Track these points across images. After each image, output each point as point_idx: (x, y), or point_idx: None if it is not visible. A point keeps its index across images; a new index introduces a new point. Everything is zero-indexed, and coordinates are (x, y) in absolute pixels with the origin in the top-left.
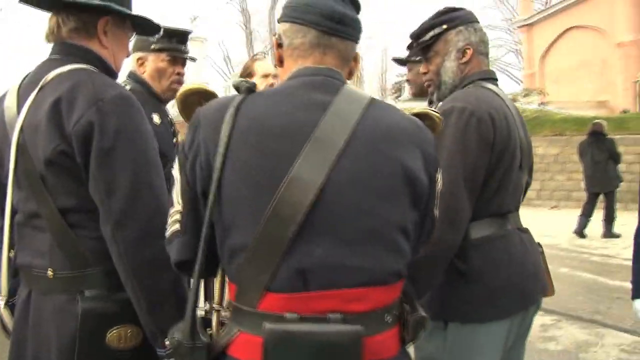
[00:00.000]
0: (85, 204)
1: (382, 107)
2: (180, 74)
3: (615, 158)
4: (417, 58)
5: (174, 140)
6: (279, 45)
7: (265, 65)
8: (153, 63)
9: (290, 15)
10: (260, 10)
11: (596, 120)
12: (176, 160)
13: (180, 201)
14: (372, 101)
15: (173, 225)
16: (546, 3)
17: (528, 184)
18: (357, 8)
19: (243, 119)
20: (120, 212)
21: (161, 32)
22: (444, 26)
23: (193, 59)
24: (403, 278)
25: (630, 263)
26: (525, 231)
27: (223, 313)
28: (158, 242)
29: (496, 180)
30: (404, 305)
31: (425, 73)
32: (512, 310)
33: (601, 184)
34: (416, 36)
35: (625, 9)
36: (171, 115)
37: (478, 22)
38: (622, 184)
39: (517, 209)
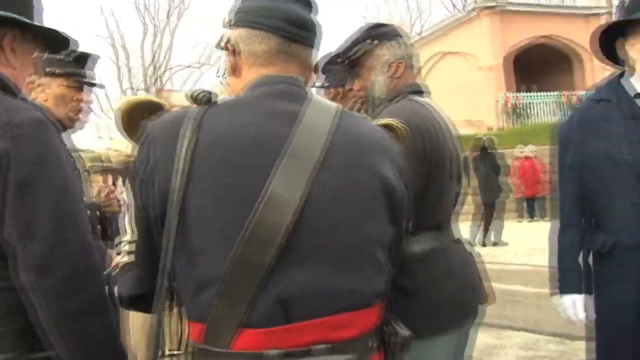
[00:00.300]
0: None
1: (351, 117)
2: (79, 101)
3: (497, 171)
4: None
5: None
6: (233, 53)
7: (180, 97)
8: (49, 89)
9: (247, 20)
10: (131, 43)
11: (479, 136)
12: (126, 184)
13: (135, 229)
14: (340, 111)
15: (124, 256)
16: (420, 32)
17: (458, 195)
18: (314, 11)
19: (206, 133)
20: (42, 256)
21: (69, 49)
22: (375, 41)
23: (101, 86)
24: (385, 299)
25: (520, 268)
26: (460, 242)
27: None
28: (87, 285)
29: (433, 192)
30: (384, 328)
31: (350, 90)
32: (454, 323)
33: (491, 195)
34: (344, 52)
35: (486, 37)
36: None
37: (406, 37)
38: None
39: (449, 221)
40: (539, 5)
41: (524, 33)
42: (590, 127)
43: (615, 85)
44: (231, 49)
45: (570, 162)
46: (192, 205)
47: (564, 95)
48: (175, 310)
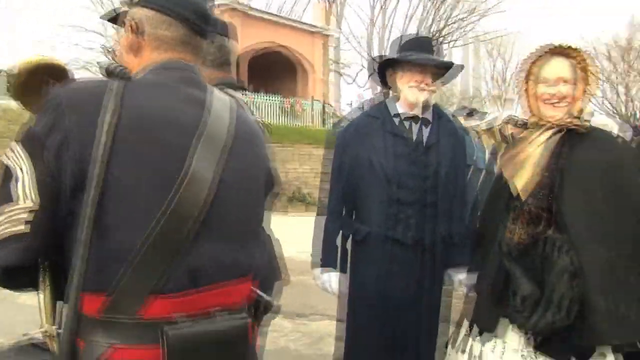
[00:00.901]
0: None
1: (241, 108)
2: None
3: None
4: None
5: None
6: (136, 32)
7: None
8: None
9: (157, 3)
10: None
11: None
12: (17, 150)
13: (33, 197)
14: (234, 101)
15: (13, 226)
16: None
17: None
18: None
19: (128, 108)
20: None
21: None
22: None
23: None
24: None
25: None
26: None
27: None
28: None
29: None
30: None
31: None
32: None
33: None
34: None
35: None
36: None
37: None
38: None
39: None
40: (275, 15)
41: (261, 38)
42: (361, 137)
43: (383, 106)
44: (134, 28)
45: (339, 164)
46: (114, 178)
47: (287, 100)
48: (48, 288)
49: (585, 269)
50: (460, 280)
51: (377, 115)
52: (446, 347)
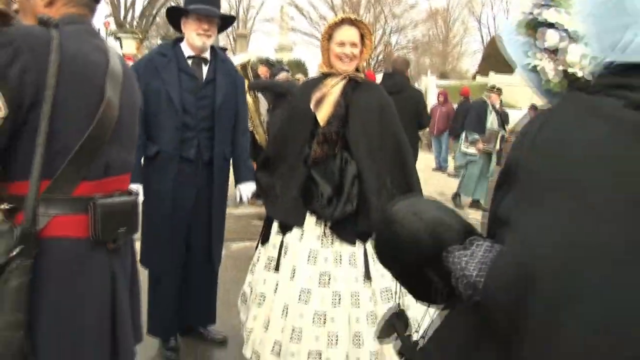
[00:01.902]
0: None
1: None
2: None
3: None
4: None
5: None
6: None
7: None
8: None
9: None
10: None
11: None
12: None
13: (3, 108)
14: (110, 46)
15: None
16: None
17: None
18: None
19: (65, 51)
20: None
21: None
22: None
23: None
24: None
25: None
26: None
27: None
28: None
29: None
30: None
31: None
32: None
33: None
34: None
35: None
36: None
37: None
38: None
39: None
40: None
41: None
42: (153, 71)
43: (172, 46)
44: None
45: None
46: (59, 99)
47: None
48: None
49: (363, 176)
50: (244, 192)
51: (166, 54)
52: (257, 246)
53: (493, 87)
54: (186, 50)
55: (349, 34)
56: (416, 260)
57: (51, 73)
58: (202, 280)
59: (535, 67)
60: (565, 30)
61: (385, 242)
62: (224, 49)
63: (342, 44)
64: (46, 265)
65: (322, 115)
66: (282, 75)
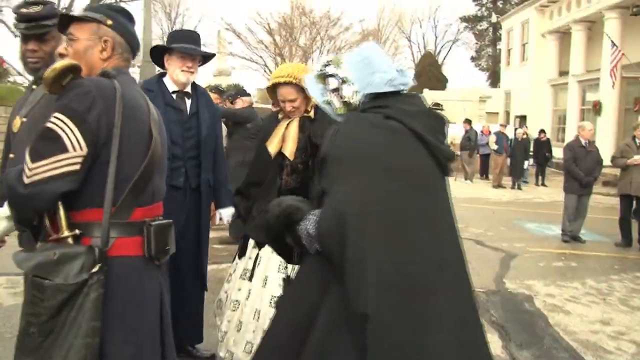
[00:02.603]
0: None
1: None
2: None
3: None
4: None
5: None
6: (112, 47)
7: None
8: None
9: (125, 35)
10: None
11: None
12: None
13: (83, 148)
14: None
15: (71, 166)
16: None
17: None
18: None
19: (123, 97)
20: None
21: None
22: None
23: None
24: None
25: None
26: None
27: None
28: None
29: None
30: None
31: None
32: None
33: None
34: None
35: None
36: None
37: None
38: None
39: None
40: None
41: None
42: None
43: (157, 81)
44: (109, 43)
45: None
46: (123, 137)
47: None
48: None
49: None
50: (225, 215)
51: (153, 89)
52: (233, 259)
53: (437, 105)
54: (170, 85)
55: (284, 92)
56: (277, 231)
57: (117, 116)
58: (191, 300)
59: (328, 101)
60: (340, 78)
61: (262, 224)
62: (164, 74)
63: (283, 101)
64: (111, 279)
65: (289, 150)
66: (246, 99)
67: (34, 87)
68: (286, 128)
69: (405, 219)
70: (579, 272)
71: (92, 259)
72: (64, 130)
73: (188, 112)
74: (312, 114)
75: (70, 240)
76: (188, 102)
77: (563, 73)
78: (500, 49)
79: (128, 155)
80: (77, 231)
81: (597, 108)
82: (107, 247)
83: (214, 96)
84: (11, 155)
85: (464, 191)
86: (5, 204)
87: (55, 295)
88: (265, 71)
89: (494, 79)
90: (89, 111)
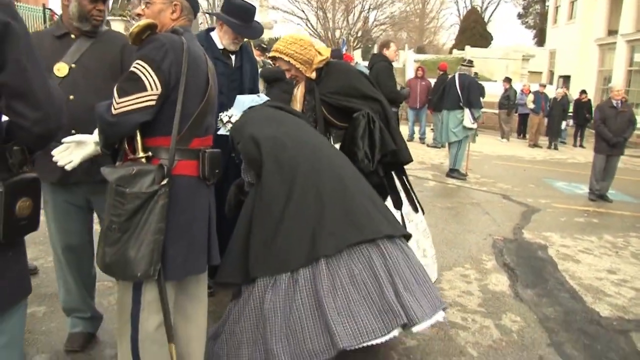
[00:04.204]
0: None
1: None
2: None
3: None
4: None
5: None
6: (180, 9)
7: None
8: None
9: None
10: None
11: None
12: (141, 64)
13: (159, 88)
14: None
15: (149, 101)
16: None
17: None
18: None
19: (188, 51)
20: None
21: None
22: None
23: None
24: None
25: None
26: None
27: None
28: None
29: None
30: None
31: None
32: None
33: None
34: None
35: None
36: None
37: None
38: None
39: None
40: None
41: None
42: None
43: (205, 36)
44: (180, 6)
45: None
46: (187, 82)
47: None
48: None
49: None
50: None
51: (202, 44)
52: None
53: (468, 61)
54: (217, 42)
55: (279, 63)
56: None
57: (184, 65)
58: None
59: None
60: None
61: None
62: (212, 29)
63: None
64: (174, 192)
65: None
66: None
67: (72, 36)
68: (297, 90)
69: (287, 140)
70: (599, 228)
71: (161, 175)
72: (143, 74)
73: (233, 66)
74: (313, 76)
75: (143, 160)
76: (232, 56)
77: (612, 32)
78: (548, 6)
79: (190, 97)
80: (149, 153)
81: None
82: (173, 167)
83: (256, 52)
84: (71, 97)
85: (499, 149)
86: (95, 132)
87: (133, 200)
88: (307, 25)
89: (541, 38)
90: (163, 60)
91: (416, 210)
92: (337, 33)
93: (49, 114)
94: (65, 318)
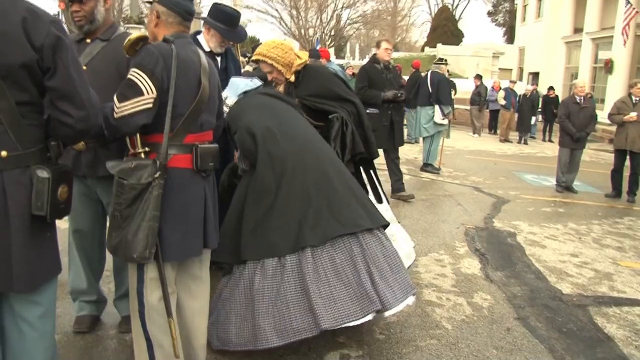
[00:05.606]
0: (34, 99)
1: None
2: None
3: None
4: None
5: None
6: (158, 17)
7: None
8: None
9: (167, 4)
10: None
11: None
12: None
13: (154, 92)
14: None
15: (146, 104)
16: None
17: None
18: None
19: (177, 57)
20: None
21: None
22: None
23: None
24: None
25: None
26: None
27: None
28: None
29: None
30: None
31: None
32: None
33: None
34: None
35: None
36: None
37: None
38: None
39: None
40: None
41: None
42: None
43: (192, 40)
44: (156, 15)
45: None
46: (177, 85)
47: None
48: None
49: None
50: None
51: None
52: None
53: (441, 60)
54: (204, 44)
55: (261, 66)
56: (229, 183)
57: (173, 71)
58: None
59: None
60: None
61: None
62: (199, 32)
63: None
64: (169, 183)
65: None
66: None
67: (87, 40)
68: None
69: (280, 132)
70: (564, 216)
71: (155, 168)
72: (139, 80)
73: (219, 67)
74: (292, 79)
75: (142, 155)
76: (218, 58)
77: (577, 30)
78: (517, 4)
79: (181, 98)
80: (147, 149)
81: (608, 66)
82: (166, 161)
83: (241, 59)
84: None
85: (471, 144)
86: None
87: (131, 191)
88: (280, 24)
89: (510, 35)
90: (155, 67)
91: (380, 201)
92: (311, 31)
93: (89, 114)
94: (72, 303)
